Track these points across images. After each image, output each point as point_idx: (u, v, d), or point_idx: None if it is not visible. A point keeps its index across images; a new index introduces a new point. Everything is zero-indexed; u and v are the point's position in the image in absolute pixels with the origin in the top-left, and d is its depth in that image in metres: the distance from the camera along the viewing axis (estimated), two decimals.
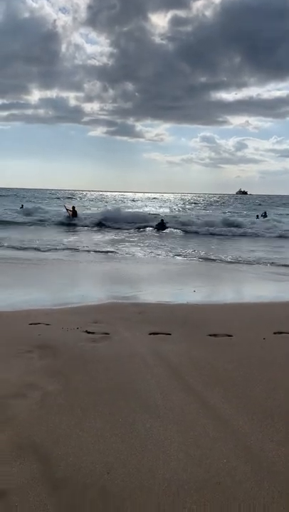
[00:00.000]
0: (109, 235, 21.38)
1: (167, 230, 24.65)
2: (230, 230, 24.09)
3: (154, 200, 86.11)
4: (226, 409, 3.39)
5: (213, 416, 3.28)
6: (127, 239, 19.73)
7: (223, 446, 2.88)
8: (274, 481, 2.55)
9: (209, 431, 3.06)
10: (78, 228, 25.79)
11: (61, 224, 27.60)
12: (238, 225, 25.63)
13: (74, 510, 2.28)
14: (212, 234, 23.15)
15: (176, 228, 25.07)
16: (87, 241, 18.12)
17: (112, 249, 15.17)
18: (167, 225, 25.45)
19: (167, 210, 44.89)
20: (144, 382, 3.84)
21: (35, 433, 2.99)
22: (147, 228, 25.38)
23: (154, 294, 8.10)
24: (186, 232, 24.02)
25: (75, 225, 27.23)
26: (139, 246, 16.76)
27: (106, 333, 5.24)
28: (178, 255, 14.18)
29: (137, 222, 26.56)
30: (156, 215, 30.39)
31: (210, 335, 5.28)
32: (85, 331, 5.30)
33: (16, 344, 4.74)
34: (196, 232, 23.60)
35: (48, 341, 4.86)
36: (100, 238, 19.79)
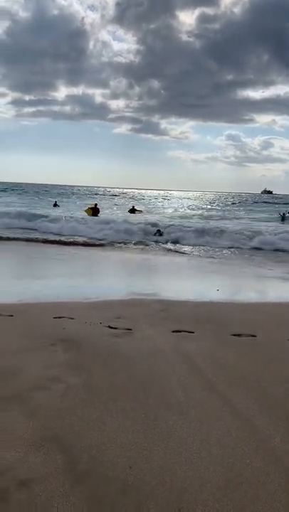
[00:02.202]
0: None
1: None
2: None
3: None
4: (249, 409, 3.35)
5: (236, 415, 3.24)
6: None
7: (246, 446, 2.85)
8: None
9: (232, 430, 3.03)
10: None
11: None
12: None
13: (96, 502, 2.30)
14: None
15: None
16: None
17: None
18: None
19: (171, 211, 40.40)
20: (166, 379, 3.83)
21: (58, 425, 3.02)
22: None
23: (177, 291, 8.08)
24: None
25: None
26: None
27: (128, 329, 5.25)
28: None
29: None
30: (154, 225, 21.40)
31: (233, 334, 5.23)
32: (108, 326, 5.33)
33: (40, 337, 4.80)
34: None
35: (71, 335, 4.90)
36: None
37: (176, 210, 43.30)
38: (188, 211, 41.97)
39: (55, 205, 38.26)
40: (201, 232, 19.19)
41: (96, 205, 29.36)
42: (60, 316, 5.68)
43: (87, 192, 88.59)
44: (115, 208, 40.13)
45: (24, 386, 3.58)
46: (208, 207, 54.95)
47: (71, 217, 23.93)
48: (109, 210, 37.10)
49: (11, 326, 5.29)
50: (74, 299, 6.87)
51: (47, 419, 3.10)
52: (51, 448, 2.75)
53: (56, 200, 43.91)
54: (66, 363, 4.11)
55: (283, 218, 30.95)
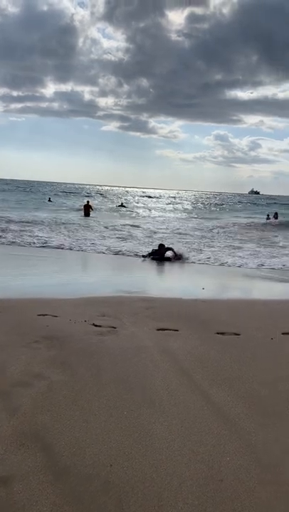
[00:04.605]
0: None
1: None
2: None
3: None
4: (231, 407, 3.37)
5: (218, 414, 3.26)
6: None
7: (227, 444, 2.87)
8: (278, 481, 2.53)
9: (214, 428, 3.05)
10: None
11: None
12: None
13: (75, 500, 2.29)
14: None
15: None
16: None
17: None
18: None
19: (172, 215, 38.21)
20: (149, 378, 3.84)
21: (39, 422, 3.00)
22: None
23: (162, 289, 8.10)
24: None
25: None
26: None
27: (113, 327, 5.25)
28: None
29: None
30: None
31: (218, 333, 5.26)
32: (92, 324, 5.32)
33: (24, 334, 4.77)
34: None
35: (55, 333, 4.87)
36: None
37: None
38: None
39: (50, 200, 41.21)
40: None
41: (88, 202, 30.07)
42: (44, 314, 5.64)
43: (74, 189, 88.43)
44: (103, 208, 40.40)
45: (7, 383, 3.55)
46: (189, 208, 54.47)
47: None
48: (99, 206, 37.65)
49: None
50: (58, 297, 6.84)
51: (29, 416, 3.08)
52: (31, 445, 2.73)
53: (50, 196, 46.27)
54: (49, 361, 4.09)
55: (268, 218, 31.84)
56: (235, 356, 4.48)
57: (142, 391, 3.57)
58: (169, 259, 12.29)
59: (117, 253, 13.43)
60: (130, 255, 13.18)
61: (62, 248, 13.54)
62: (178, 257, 12.40)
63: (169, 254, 12.49)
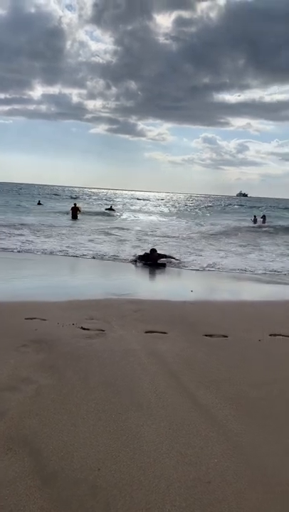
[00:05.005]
0: None
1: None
2: None
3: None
4: (219, 409, 3.39)
5: (206, 416, 3.28)
6: None
7: (214, 446, 2.89)
8: (266, 483, 2.55)
9: (201, 430, 3.07)
10: None
11: None
12: None
13: (64, 505, 2.29)
14: None
15: None
16: None
17: None
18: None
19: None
20: (137, 380, 3.84)
21: (27, 427, 2.99)
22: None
23: (151, 291, 8.11)
24: None
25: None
26: None
27: (101, 330, 5.24)
28: None
29: None
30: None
31: (206, 335, 5.28)
32: (81, 327, 5.30)
33: (12, 338, 4.74)
34: None
35: (43, 336, 4.85)
36: None
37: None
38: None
39: (39, 203, 40.31)
40: None
41: (75, 204, 30.06)
42: (33, 317, 5.61)
43: (61, 192, 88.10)
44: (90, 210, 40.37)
45: None
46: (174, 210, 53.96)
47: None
48: (87, 208, 37.58)
49: None
50: (47, 300, 6.81)
51: (16, 420, 3.06)
52: (19, 450, 2.72)
53: (39, 199, 45.47)
54: (38, 364, 4.07)
55: (255, 221, 32.19)
56: (223, 358, 4.51)
57: (130, 394, 3.57)
58: (162, 265, 11.44)
59: (102, 257, 12.56)
60: (117, 260, 12.42)
61: (46, 253, 13.07)
62: (172, 263, 11.65)
63: (163, 260, 11.65)
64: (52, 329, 5.16)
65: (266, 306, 7.51)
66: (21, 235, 16.52)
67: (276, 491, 2.49)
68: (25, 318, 5.57)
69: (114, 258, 12.68)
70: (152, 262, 11.49)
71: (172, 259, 11.91)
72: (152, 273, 10.83)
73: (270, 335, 5.41)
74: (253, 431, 3.11)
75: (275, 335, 5.42)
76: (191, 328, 5.51)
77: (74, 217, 27.72)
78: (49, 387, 3.61)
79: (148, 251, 12.04)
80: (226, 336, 5.27)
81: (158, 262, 11.54)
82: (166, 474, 2.56)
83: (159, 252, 12.02)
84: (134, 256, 12.26)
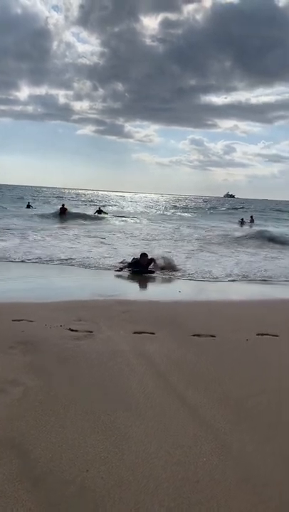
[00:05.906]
0: None
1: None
2: None
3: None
4: (207, 409, 3.40)
5: (194, 415, 3.29)
6: None
7: (203, 446, 2.90)
8: (253, 481, 2.57)
9: (190, 430, 3.08)
10: None
11: None
12: None
13: (52, 507, 2.27)
14: None
15: None
16: None
17: None
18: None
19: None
20: (126, 381, 3.84)
21: (14, 429, 2.97)
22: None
23: (139, 292, 8.11)
24: None
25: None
26: None
27: (89, 331, 5.22)
28: None
29: None
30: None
31: (194, 335, 5.30)
32: (69, 329, 5.28)
33: None
34: None
35: (31, 338, 4.82)
36: None
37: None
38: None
39: (28, 206, 38.58)
40: None
41: (63, 205, 31.30)
42: (20, 319, 5.57)
43: (49, 194, 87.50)
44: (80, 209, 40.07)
45: None
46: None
47: None
48: (75, 210, 37.12)
49: None
50: (34, 301, 6.76)
51: (4, 423, 3.04)
52: (6, 453, 2.70)
53: (29, 201, 44.12)
54: (25, 366, 4.04)
55: (242, 223, 32.41)
56: (211, 358, 4.52)
57: (118, 395, 3.57)
58: (152, 272, 10.31)
59: (86, 265, 10.92)
60: (102, 266, 10.92)
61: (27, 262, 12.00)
62: (166, 269, 10.48)
63: (152, 266, 10.49)
64: (39, 331, 5.13)
65: (253, 306, 7.56)
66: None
67: (264, 489, 2.50)
68: (13, 320, 5.52)
69: (96, 267, 10.89)
70: (141, 268, 10.32)
71: (167, 265, 10.58)
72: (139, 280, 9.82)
73: (258, 334, 5.45)
74: (241, 430, 3.13)
75: (262, 334, 5.46)
76: (179, 329, 5.53)
77: (62, 218, 28.43)
78: (36, 388, 3.59)
79: (137, 256, 10.77)
80: (214, 336, 5.30)
81: (148, 269, 10.39)
82: (155, 474, 2.57)
83: (151, 257, 10.80)
84: (121, 263, 10.90)
